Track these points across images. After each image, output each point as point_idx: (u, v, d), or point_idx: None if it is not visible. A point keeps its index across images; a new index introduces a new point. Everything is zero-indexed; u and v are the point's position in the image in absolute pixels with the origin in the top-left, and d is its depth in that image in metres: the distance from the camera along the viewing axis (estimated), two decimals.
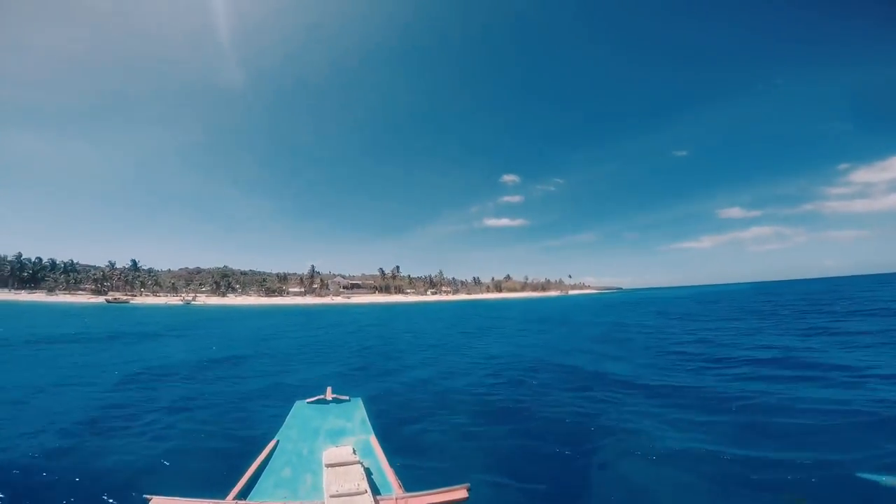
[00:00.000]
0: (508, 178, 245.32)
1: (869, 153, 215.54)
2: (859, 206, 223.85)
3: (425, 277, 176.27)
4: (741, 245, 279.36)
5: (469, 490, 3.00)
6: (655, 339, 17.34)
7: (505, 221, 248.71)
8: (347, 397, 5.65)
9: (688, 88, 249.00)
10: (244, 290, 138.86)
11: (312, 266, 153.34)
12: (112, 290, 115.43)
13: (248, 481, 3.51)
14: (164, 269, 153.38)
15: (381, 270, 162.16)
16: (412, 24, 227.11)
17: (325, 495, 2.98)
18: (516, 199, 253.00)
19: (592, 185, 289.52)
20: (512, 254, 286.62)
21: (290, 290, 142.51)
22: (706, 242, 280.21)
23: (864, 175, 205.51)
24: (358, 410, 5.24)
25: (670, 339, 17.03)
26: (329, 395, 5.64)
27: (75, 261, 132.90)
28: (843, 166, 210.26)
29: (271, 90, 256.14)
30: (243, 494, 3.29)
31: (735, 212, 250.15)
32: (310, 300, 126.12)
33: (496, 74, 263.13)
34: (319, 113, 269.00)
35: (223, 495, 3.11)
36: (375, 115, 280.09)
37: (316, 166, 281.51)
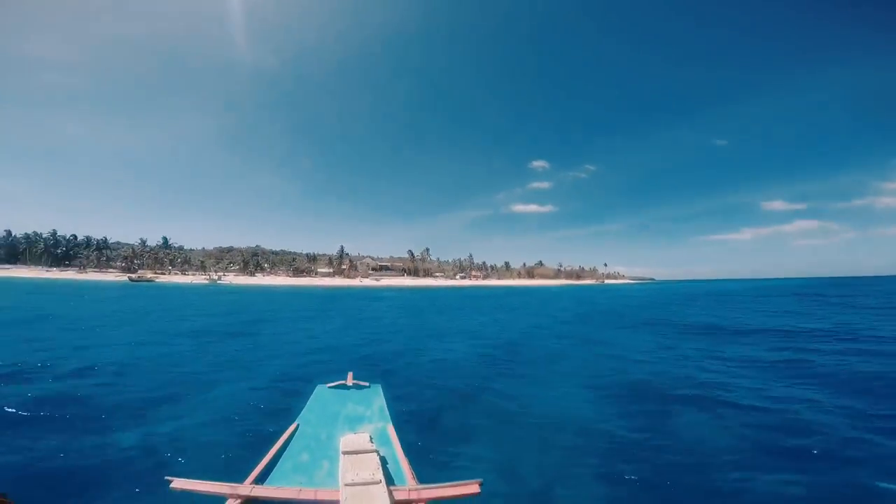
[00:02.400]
0: (538, 163, 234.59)
1: None
2: None
3: (455, 261, 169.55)
4: (783, 239, 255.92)
5: (481, 485, 2.90)
6: None
7: (533, 207, 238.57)
8: (367, 384, 5.30)
9: (730, 82, 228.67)
10: (273, 269, 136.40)
11: (342, 247, 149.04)
12: (142, 269, 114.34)
13: (266, 465, 3.34)
14: (199, 248, 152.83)
15: (411, 252, 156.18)
16: (437, 14, 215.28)
17: (341, 483, 2.87)
18: (545, 185, 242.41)
19: (625, 173, 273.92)
20: (539, 240, 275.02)
21: (319, 270, 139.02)
22: (747, 234, 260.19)
23: None
24: (377, 397, 4.91)
25: None
26: (350, 381, 5.29)
27: (109, 239, 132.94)
28: None
29: (303, 74, 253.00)
30: (261, 478, 3.14)
31: (778, 204, 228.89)
32: (338, 281, 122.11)
33: (526, 66, 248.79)
34: (348, 98, 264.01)
35: (241, 479, 2.99)
36: (404, 103, 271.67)
37: (345, 150, 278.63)
